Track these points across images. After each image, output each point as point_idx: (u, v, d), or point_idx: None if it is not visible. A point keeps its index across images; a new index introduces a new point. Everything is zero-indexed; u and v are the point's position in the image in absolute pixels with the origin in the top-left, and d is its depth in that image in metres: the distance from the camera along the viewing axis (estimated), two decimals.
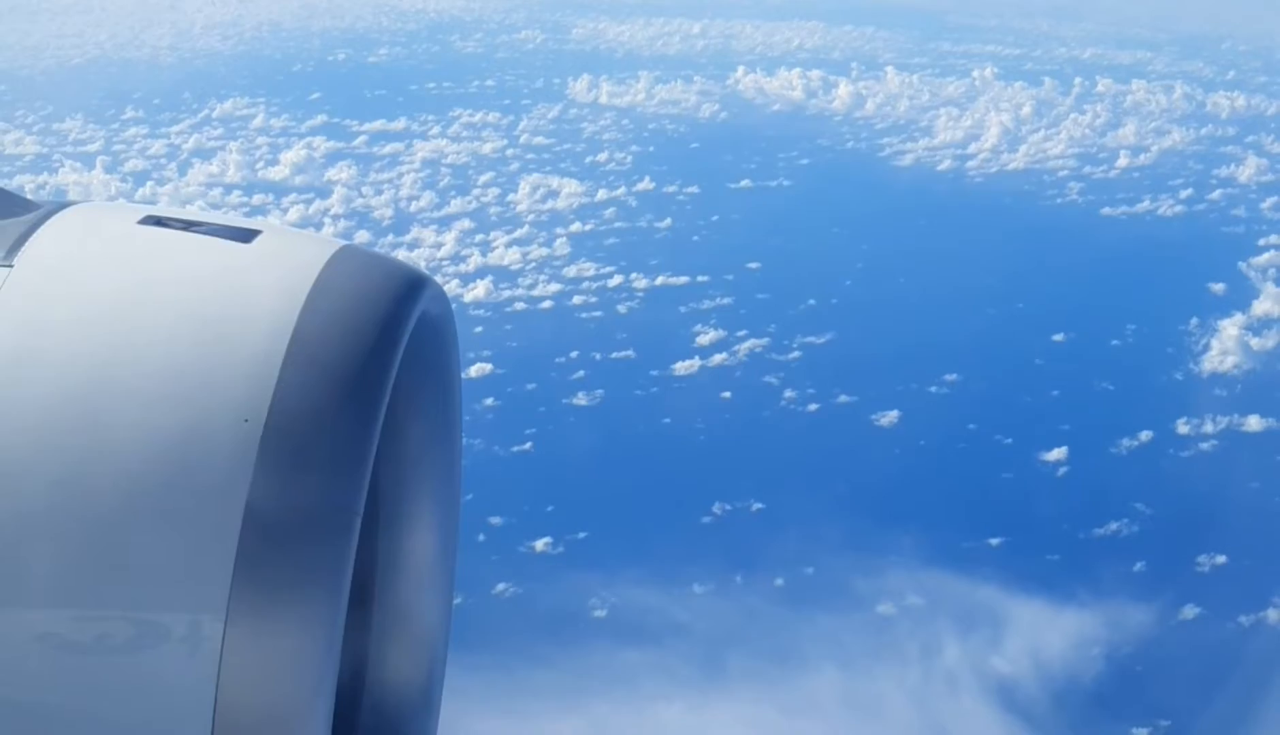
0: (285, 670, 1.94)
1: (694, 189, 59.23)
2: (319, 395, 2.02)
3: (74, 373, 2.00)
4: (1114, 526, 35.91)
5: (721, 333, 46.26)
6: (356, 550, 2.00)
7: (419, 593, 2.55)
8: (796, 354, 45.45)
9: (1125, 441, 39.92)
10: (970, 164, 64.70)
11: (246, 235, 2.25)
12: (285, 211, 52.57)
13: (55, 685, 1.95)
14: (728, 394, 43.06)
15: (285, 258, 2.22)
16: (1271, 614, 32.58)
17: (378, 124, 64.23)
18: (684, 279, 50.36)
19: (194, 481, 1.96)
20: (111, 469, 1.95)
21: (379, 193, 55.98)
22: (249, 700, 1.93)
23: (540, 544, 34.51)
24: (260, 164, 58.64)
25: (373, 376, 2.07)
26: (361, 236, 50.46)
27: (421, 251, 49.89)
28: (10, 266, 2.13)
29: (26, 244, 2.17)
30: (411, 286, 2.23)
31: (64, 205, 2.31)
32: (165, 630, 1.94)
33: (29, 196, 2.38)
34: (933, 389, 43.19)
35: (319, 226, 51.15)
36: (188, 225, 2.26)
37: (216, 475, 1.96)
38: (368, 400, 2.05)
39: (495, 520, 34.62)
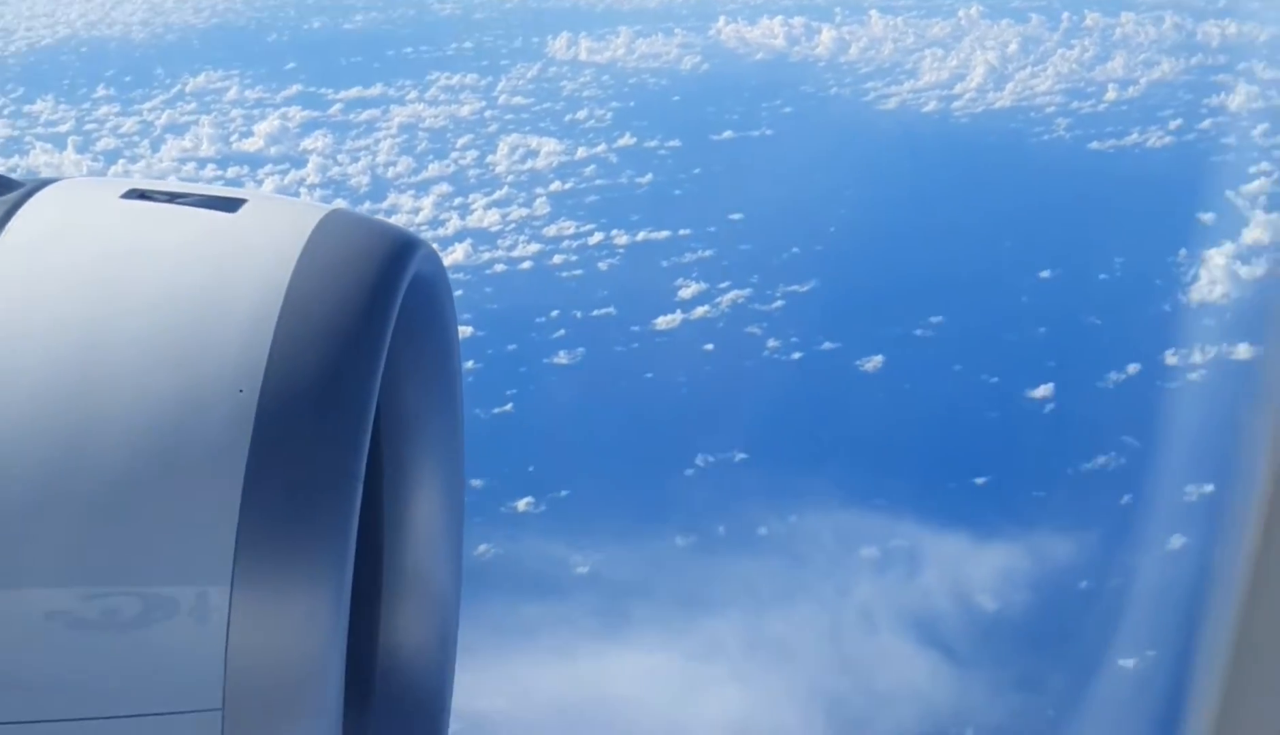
0: (293, 637, 1.93)
1: (676, 143, 58.69)
2: (314, 361, 1.99)
3: (64, 349, 1.98)
4: (1101, 460, 35.50)
5: (704, 285, 45.85)
6: (361, 515, 1.98)
7: (428, 554, 2.53)
8: (780, 303, 45.03)
9: (1113, 375, 39.46)
10: (956, 105, 64.01)
11: (232, 204, 2.21)
12: (260, 183, 52.17)
13: (64, 662, 1.92)
14: (710, 346, 42.69)
15: (273, 224, 2.19)
16: None
17: (354, 91, 63.68)
18: (666, 233, 49.92)
19: (191, 453, 1.93)
20: (107, 444, 1.92)
21: (355, 160, 55.61)
22: (259, 669, 1.92)
23: (522, 504, 34.24)
24: (234, 137, 58.26)
25: (367, 339, 2.04)
26: (338, 206, 49.99)
27: (399, 217, 49.44)
28: None
29: (10, 221, 2.14)
30: (403, 248, 2.18)
31: (46, 182, 2.26)
32: (172, 603, 1.92)
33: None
34: (918, 332, 42.75)
35: (295, 197, 50.72)
36: (172, 197, 2.22)
37: (214, 446, 1.93)
38: (363, 363, 2.02)
39: (476, 483, 34.22)
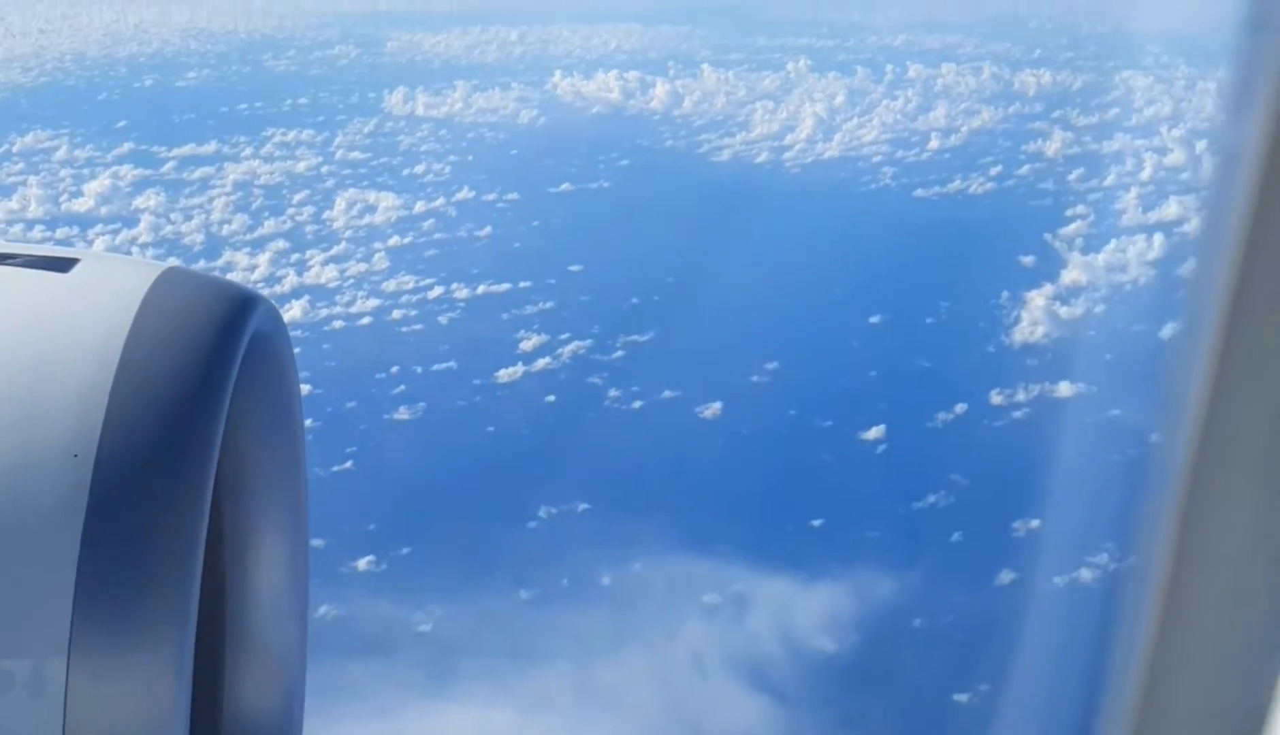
0: (135, 707, 1.86)
1: (514, 195, 59.05)
2: (151, 423, 1.94)
3: None
4: (932, 499, 36.54)
5: (544, 337, 46.13)
6: (203, 579, 1.93)
7: (273, 616, 2.47)
8: (620, 353, 45.52)
9: (941, 415, 40.69)
10: (787, 155, 65.54)
11: (64, 265, 2.16)
12: (91, 243, 51.05)
13: None
14: (552, 398, 42.95)
15: (107, 284, 2.13)
16: (1085, 573, 33.44)
17: (187, 148, 62.81)
18: (506, 286, 50.13)
19: (24, 521, 1.87)
20: None
21: (189, 218, 54.76)
22: None
23: (363, 563, 33.97)
24: (64, 196, 56.97)
25: (206, 399, 1.99)
26: (173, 263, 49.19)
27: (235, 275, 48.80)
28: None
29: None
30: (242, 305, 2.14)
31: None
32: (7, 677, 1.85)
33: None
34: (754, 378, 43.58)
35: (129, 256, 49.80)
36: (1, 258, 2.15)
37: (47, 513, 1.87)
38: (203, 423, 1.97)
39: (317, 542, 33.78)
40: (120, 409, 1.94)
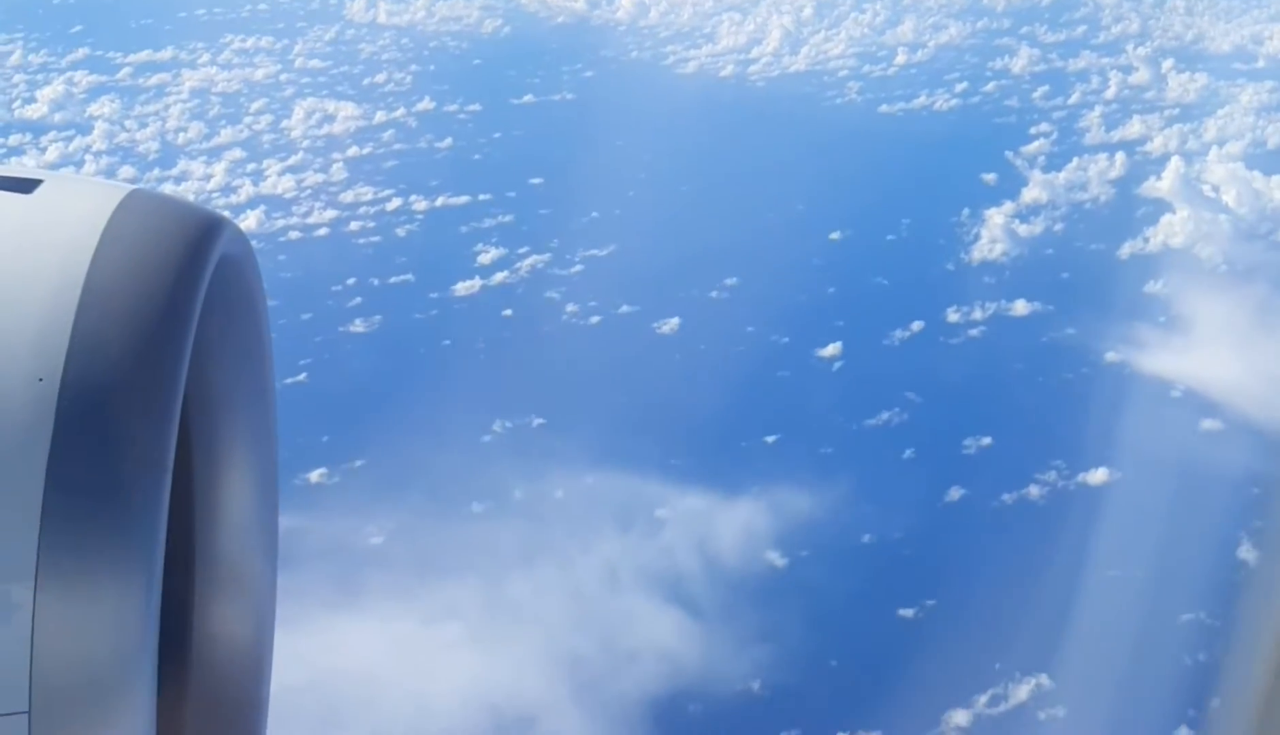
0: (102, 635, 1.85)
1: (476, 107, 58.43)
2: (116, 347, 1.91)
3: None
4: (885, 416, 36.70)
5: (503, 251, 45.90)
6: (172, 501, 1.91)
7: (243, 540, 2.46)
8: (579, 268, 45.35)
9: (898, 332, 40.77)
10: (752, 69, 64.96)
11: (27, 185, 2.12)
12: (44, 150, 50.44)
13: None
14: (509, 312, 42.83)
15: (71, 206, 2.10)
16: (1032, 490, 33.70)
17: (144, 55, 61.79)
18: (465, 198, 49.79)
19: None
20: None
21: (144, 126, 54.00)
22: (67, 668, 1.84)
23: (315, 475, 33.97)
24: (17, 103, 56.10)
25: (172, 323, 1.97)
26: (126, 172, 48.66)
27: (189, 184, 48.35)
28: None
29: None
30: (207, 228, 2.12)
31: None
32: None
33: None
34: (713, 294, 43.53)
35: (79, 164, 49.18)
36: None
37: (13, 437, 1.85)
38: (169, 348, 1.95)
39: None
40: (85, 332, 1.92)
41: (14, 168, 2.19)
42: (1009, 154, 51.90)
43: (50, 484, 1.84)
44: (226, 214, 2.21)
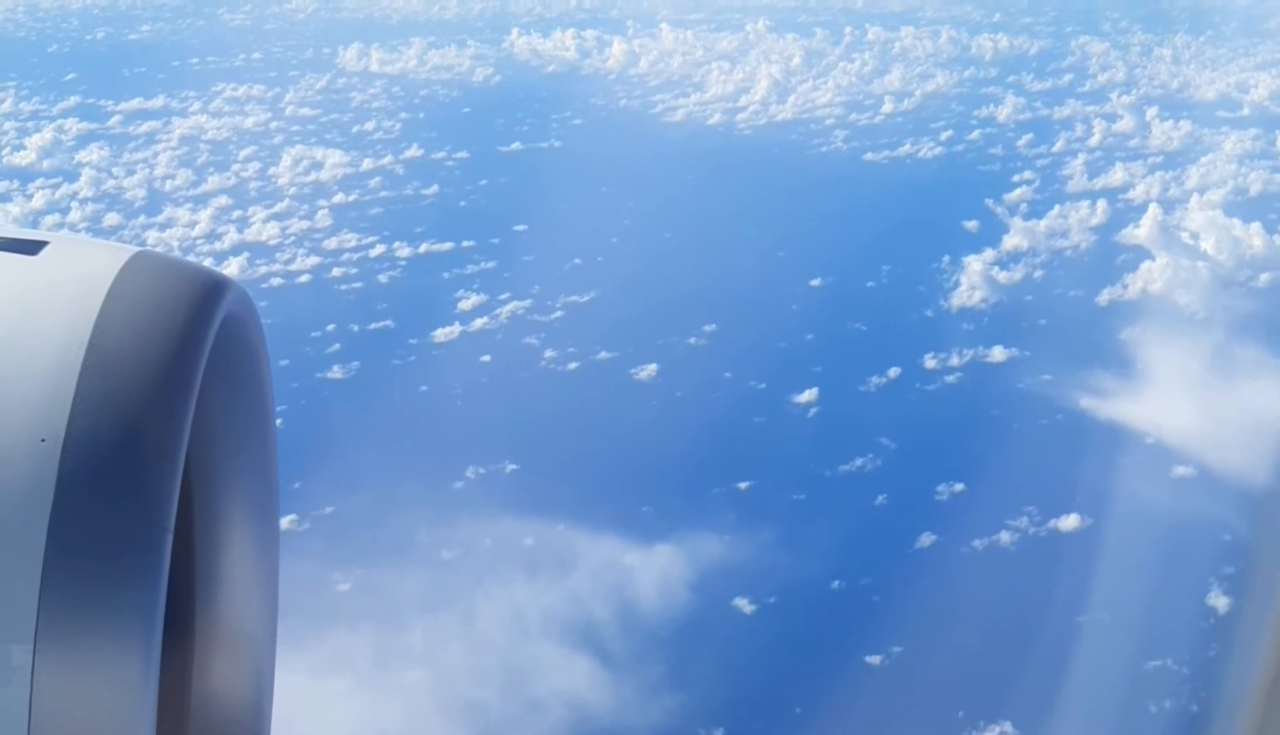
0: (102, 695, 1.83)
1: (463, 154, 58.81)
2: (119, 408, 1.91)
3: None
4: (859, 462, 36.65)
5: (484, 297, 46.04)
6: (173, 565, 1.90)
7: (241, 604, 2.44)
8: (559, 314, 45.46)
9: (874, 379, 40.78)
10: (740, 117, 65.39)
11: (33, 247, 2.12)
12: (30, 198, 50.73)
13: None
14: (487, 358, 42.88)
15: (76, 267, 2.10)
16: (1003, 536, 33.61)
17: (134, 102, 62.32)
18: (449, 245, 50.02)
19: None
20: None
21: (131, 173, 54.32)
22: (65, 728, 1.82)
23: (285, 522, 33.85)
24: (6, 150, 56.49)
25: (175, 385, 1.96)
26: (111, 219, 48.99)
27: (174, 231, 48.65)
28: None
29: None
30: (211, 290, 2.11)
31: None
32: None
33: None
34: (691, 340, 43.60)
35: (65, 211, 49.51)
36: None
37: (14, 498, 1.84)
38: (171, 410, 1.94)
39: None
40: (88, 394, 1.92)
41: (20, 230, 2.22)
42: (989, 202, 52.10)
43: (51, 545, 1.84)
44: (231, 275, 2.24)
